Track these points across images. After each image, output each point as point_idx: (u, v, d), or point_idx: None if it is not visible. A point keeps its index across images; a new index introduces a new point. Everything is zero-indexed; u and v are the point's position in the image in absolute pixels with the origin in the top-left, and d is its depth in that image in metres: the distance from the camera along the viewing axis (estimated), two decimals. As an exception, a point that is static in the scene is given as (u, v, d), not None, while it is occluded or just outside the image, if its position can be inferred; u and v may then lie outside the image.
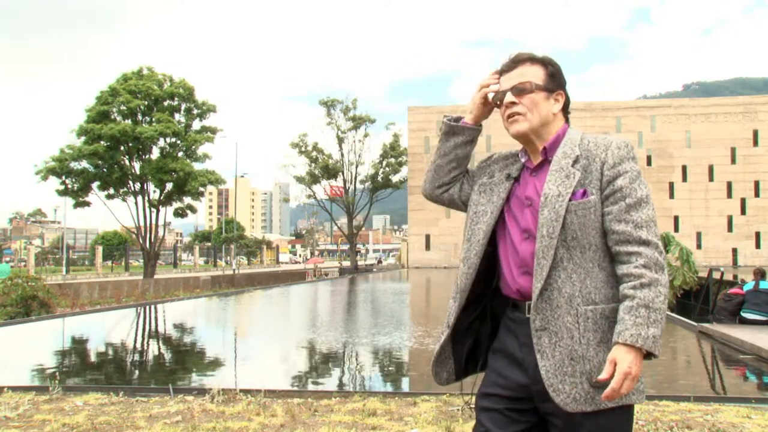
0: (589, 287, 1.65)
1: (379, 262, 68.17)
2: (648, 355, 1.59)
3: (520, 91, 1.77)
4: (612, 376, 1.56)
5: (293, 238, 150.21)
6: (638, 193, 1.67)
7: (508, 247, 1.77)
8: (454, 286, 1.85)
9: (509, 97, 1.78)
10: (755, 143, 49.28)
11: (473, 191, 1.90)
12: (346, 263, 51.94)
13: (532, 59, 1.81)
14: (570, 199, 1.66)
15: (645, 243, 1.64)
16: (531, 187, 1.77)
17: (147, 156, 29.33)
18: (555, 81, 1.80)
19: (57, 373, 6.54)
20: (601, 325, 1.64)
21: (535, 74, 1.78)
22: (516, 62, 1.81)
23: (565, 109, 1.84)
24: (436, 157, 1.96)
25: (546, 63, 1.81)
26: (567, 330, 1.63)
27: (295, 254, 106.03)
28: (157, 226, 30.14)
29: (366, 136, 49.25)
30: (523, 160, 1.85)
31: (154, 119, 29.00)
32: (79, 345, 9.70)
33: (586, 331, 1.63)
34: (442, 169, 1.95)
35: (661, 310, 1.61)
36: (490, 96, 1.86)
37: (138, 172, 29.07)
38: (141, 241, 29.81)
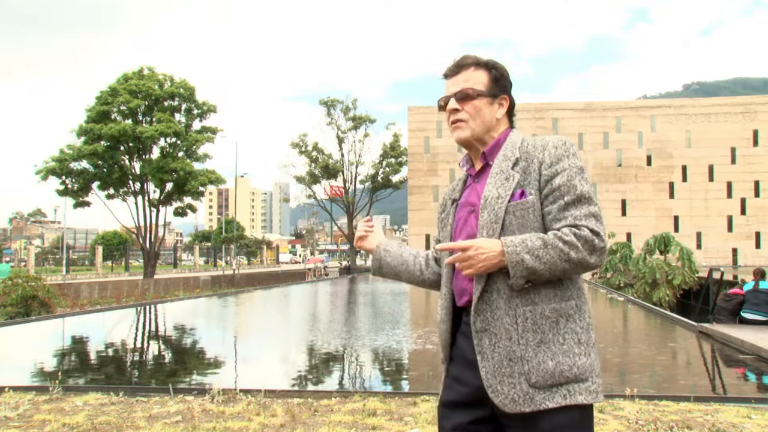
0: (529, 288, 1.64)
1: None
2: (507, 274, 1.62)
3: (462, 97, 1.77)
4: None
5: (293, 238, 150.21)
6: (577, 190, 1.64)
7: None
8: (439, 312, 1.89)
9: (452, 104, 1.78)
10: (755, 143, 49.29)
11: (439, 229, 1.95)
12: (360, 263, 51.89)
13: (477, 63, 1.80)
14: (509, 201, 1.67)
15: (585, 226, 1.62)
16: (474, 193, 1.79)
17: (147, 156, 29.36)
18: (499, 85, 1.80)
19: (57, 373, 6.53)
20: (540, 325, 1.63)
21: (479, 79, 1.78)
22: (460, 67, 1.80)
23: (510, 113, 1.84)
24: (402, 280, 2.06)
25: (490, 67, 1.80)
26: (506, 331, 1.63)
27: (295, 254, 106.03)
28: (157, 226, 30.16)
29: (366, 136, 49.33)
30: (464, 168, 1.87)
31: (154, 119, 29.02)
32: (79, 345, 9.70)
33: (525, 332, 1.63)
34: (414, 278, 2.02)
35: (554, 260, 1.58)
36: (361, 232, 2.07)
37: (138, 172, 29.10)
38: (141, 241, 29.83)
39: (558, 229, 1.64)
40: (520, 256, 1.58)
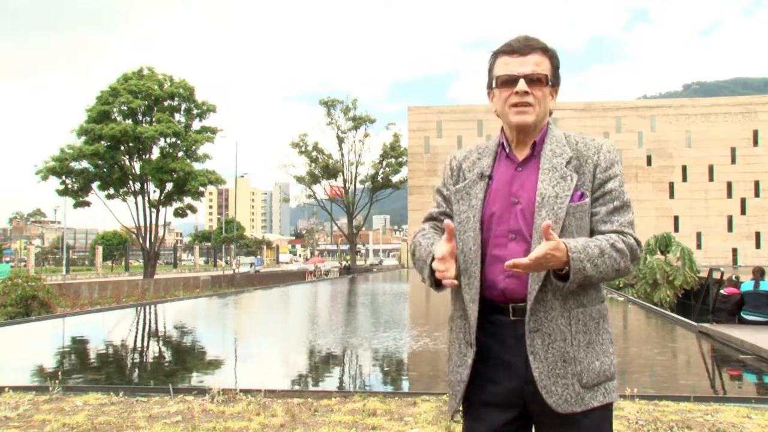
0: (580, 289, 1.65)
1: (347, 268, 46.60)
2: (563, 278, 1.59)
3: (534, 81, 1.69)
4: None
5: (293, 238, 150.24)
6: (624, 197, 1.71)
7: (490, 249, 1.69)
8: (457, 303, 1.77)
9: (523, 86, 1.67)
10: (755, 143, 49.30)
11: (453, 201, 1.80)
12: (364, 263, 51.10)
13: (545, 49, 1.72)
14: (569, 202, 1.65)
15: (632, 236, 1.69)
16: (518, 182, 1.71)
17: (147, 156, 29.34)
18: (557, 76, 1.76)
19: (57, 373, 6.53)
20: (589, 326, 1.66)
21: (546, 66, 1.71)
22: (531, 47, 1.71)
23: None
24: None
25: (553, 56, 1.75)
26: (560, 332, 1.63)
27: (295, 254, 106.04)
28: (157, 226, 30.15)
29: (366, 136, 49.36)
30: (507, 151, 1.77)
31: (154, 119, 29.00)
32: (79, 345, 9.70)
33: (577, 333, 1.64)
34: None
35: (607, 270, 1.61)
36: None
37: (138, 172, 29.08)
38: (141, 241, 29.82)
39: (605, 233, 1.66)
40: (583, 263, 1.56)
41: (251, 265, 50.50)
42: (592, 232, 1.69)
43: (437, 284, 1.73)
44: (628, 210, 1.70)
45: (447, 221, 1.66)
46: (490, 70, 1.78)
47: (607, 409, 1.69)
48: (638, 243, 1.68)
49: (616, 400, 1.71)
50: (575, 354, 1.63)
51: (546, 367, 1.62)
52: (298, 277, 35.56)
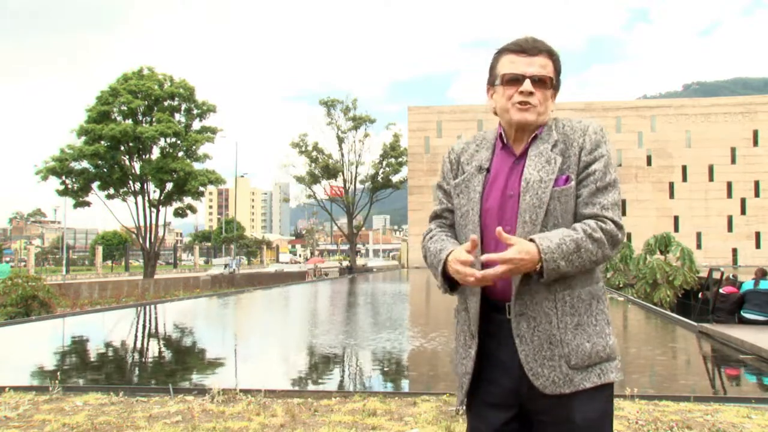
0: None
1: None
2: (539, 274, 1.59)
3: (539, 81, 1.71)
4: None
5: (293, 238, 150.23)
6: (608, 178, 1.68)
7: (489, 242, 1.71)
8: (461, 296, 1.79)
9: (528, 86, 1.69)
10: (755, 143, 49.26)
11: (453, 195, 1.83)
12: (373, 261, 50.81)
13: (549, 52, 1.75)
14: (554, 186, 1.65)
15: (611, 219, 1.66)
16: (515, 177, 1.72)
17: (147, 156, 29.34)
18: (558, 80, 1.78)
19: (57, 373, 6.53)
20: (578, 308, 1.66)
21: (551, 69, 1.74)
22: (538, 49, 1.73)
23: None
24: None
25: (557, 59, 1.77)
26: (545, 315, 1.64)
27: (296, 254, 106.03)
28: (157, 226, 30.14)
29: (366, 136, 49.25)
30: (504, 143, 1.79)
31: (154, 119, 29.00)
32: (79, 345, 9.70)
33: (564, 316, 1.65)
34: None
35: (583, 263, 1.61)
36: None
37: (138, 172, 29.08)
38: (141, 241, 29.82)
39: (586, 216, 1.66)
40: (557, 263, 1.58)
41: (225, 266, 44.78)
42: (576, 215, 1.68)
43: (451, 289, 1.75)
44: (612, 190, 1.67)
45: (474, 237, 1.65)
46: (493, 67, 1.78)
47: (605, 390, 1.67)
48: (619, 227, 1.66)
49: (617, 379, 1.68)
50: (562, 336, 1.63)
51: (532, 350, 1.63)
52: (298, 277, 35.47)
